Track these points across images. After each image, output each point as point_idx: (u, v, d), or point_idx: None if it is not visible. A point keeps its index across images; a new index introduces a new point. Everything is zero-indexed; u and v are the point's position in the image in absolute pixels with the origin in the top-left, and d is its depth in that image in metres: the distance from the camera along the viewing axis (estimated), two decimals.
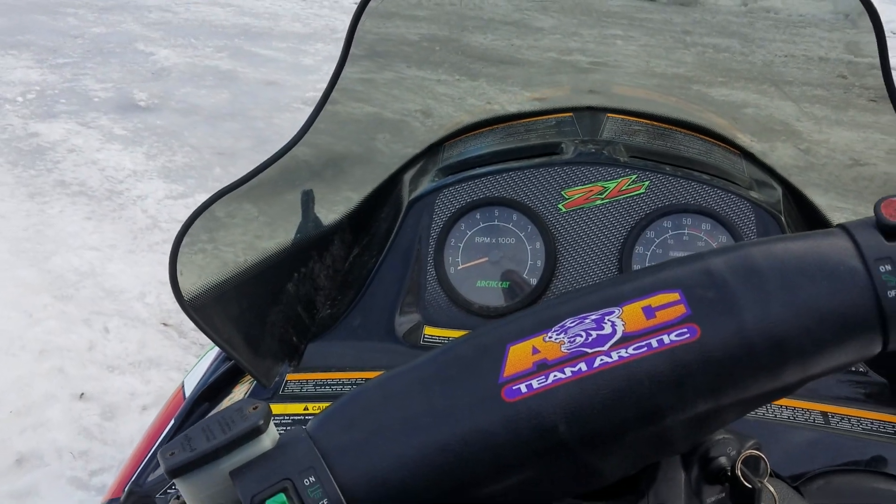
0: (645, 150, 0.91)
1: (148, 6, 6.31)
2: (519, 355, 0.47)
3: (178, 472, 0.42)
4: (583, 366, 0.46)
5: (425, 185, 0.92)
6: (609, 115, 1.02)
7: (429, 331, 0.84)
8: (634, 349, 0.46)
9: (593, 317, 0.48)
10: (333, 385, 0.78)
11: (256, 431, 0.43)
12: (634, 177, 0.86)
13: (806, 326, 0.47)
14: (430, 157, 1.02)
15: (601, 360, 0.46)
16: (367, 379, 0.69)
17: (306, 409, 0.78)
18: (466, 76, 1.39)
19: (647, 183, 0.86)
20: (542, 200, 0.87)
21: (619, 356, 0.46)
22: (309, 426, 0.45)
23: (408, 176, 1.00)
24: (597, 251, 0.85)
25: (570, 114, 1.03)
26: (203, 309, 0.74)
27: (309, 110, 0.93)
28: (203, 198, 0.84)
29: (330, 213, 0.98)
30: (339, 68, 0.81)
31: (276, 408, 0.78)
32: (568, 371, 0.46)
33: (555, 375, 0.46)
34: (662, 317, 0.47)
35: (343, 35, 0.83)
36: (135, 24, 5.73)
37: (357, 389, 0.47)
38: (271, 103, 3.86)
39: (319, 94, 0.85)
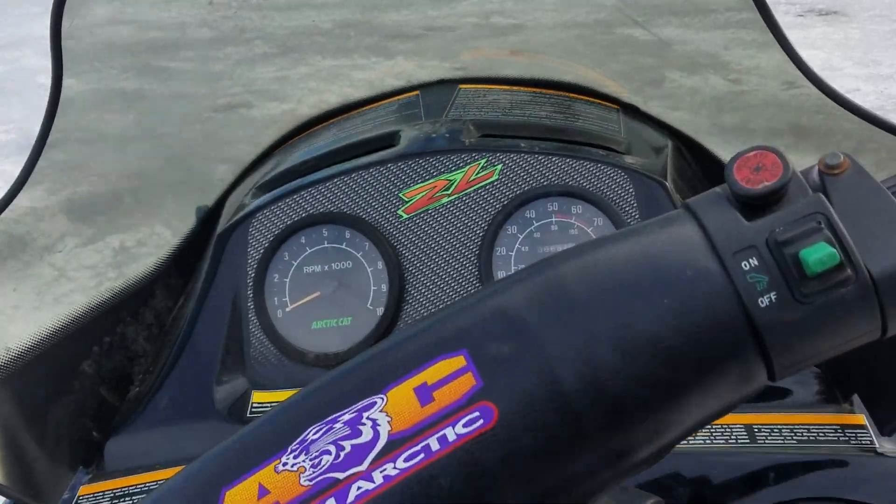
0: (499, 125, 0.75)
1: (47, 36, 6.09)
2: (248, 487, 0.31)
3: None
4: (332, 503, 0.30)
5: (229, 217, 0.75)
6: (462, 86, 0.86)
7: (258, 397, 0.68)
8: (405, 462, 0.30)
9: (346, 417, 0.32)
10: (134, 494, 0.61)
11: None
12: (484, 161, 0.70)
13: (649, 372, 0.31)
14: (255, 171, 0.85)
15: (358, 488, 0.30)
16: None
17: None
18: (383, 56, 1.29)
19: (499, 167, 0.70)
20: (378, 209, 0.71)
21: (383, 477, 0.30)
22: None
23: (231, 199, 0.83)
24: (451, 261, 0.69)
25: (417, 92, 0.86)
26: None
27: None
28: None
29: (143, 255, 0.81)
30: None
31: None
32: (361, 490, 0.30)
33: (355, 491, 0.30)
34: (443, 398, 0.31)
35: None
36: (35, 57, 5.50)
37: None
38: (181, 118, 3.67)
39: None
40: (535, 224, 0.69)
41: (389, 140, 0.75)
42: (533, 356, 0.31)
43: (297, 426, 0.32)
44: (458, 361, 0.32)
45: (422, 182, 0.71)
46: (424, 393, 0.31)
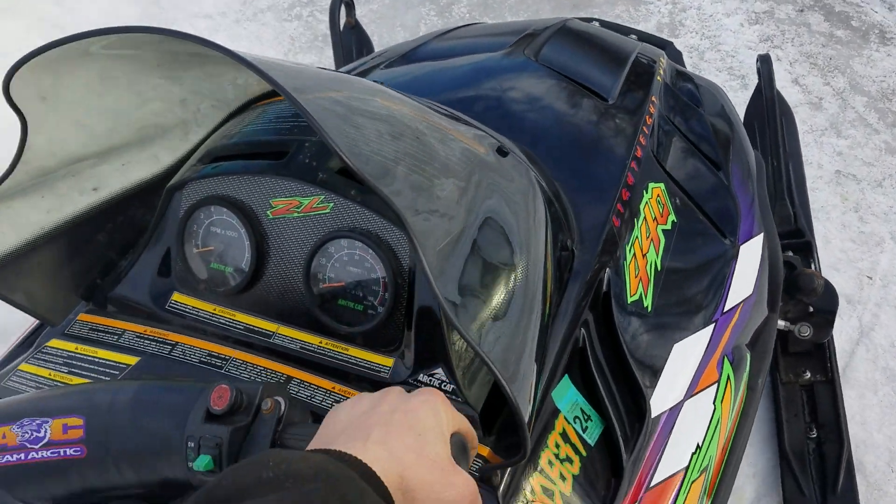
0: (342, 169, 0.97)
1: None
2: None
3: None
4: (20, 455, 0.70)
5: (183, 171, 1.06)
6: None
7: (176, 297, 1.06)
8: (50, 454, 0.69)
9: (37, 422, 0.70)
10: (104, 331, 1.03)
11: None
12: (322, 197, 0.95)
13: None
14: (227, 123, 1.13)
15: (31, 455, 0.69)
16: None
17: (77, 349, 1.05)
18: None
19: (331, 205, 0.95)
20: (257, 205, 0.99)
21: (40, 455, 0.69)
22: None
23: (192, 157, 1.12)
24: (292, 257, 0.98)
25: None
26: None
27: None
28: None
29: (158, 163, 1.14)
30: None
31: (56, 342, 1.06)
32: (13, 457, 0.70)
33: (6, 458, 0.70)
34: (72, 434, 0.68)
35: None
36: None
37: None
38: None
39: None
40: (346, 251, 0.94)
41: (284, 149, 1.01)
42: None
43: (21, 413, 0.70)
44: (79, 421, 0.68)
45: (284, 196, 0.98)
46: (65, 427, 0.68)
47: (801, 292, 1.57)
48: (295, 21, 3.23)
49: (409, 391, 0.68)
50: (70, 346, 1.00)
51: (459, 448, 0.64)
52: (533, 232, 0.93)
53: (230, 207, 1.00)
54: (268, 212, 0.99)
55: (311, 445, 0.60)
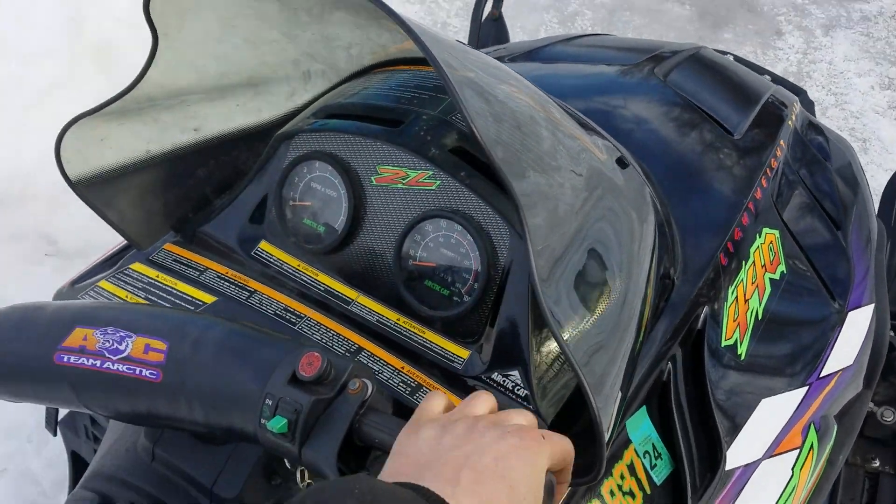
0: (457, 148, 0.93)
1: None
2: (76, 336, 0.71)
3: None
4: (96, 362, 0.69)
5: (295, 121, 1.05)
6: None
7: (263, 245, 1.04)
8: (125, 369, 0.68)
9: (121, 334, 0.69)
10: (186, 265, 1.02)
11: None
12: (430, 173, 0.92)
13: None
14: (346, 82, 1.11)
15: (106, 364, 0.68)
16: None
17: (157, 276, 1.05)
18: None
19: (438, 182, 0.92)
20: (363, 169, 0.97)
21: (115, 368, 0.68)
22: None
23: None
24: (387, 227, 0.95)
25: None
26: (91, 187, 1.01)
27: None
28: None
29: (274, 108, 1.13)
30: None
31: (139, 266, 1.06)
32: (88, 361, 0.69)
33: (82, 360, 0.70)
34: (152, 357, 0.67)
35: None
36: None
37: None
38: None
39: None
40: (443, 232, 0.91)
41: (400, 118, 0.98)
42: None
43: (109, 321, 0.69)
44: (162, 345, 0.66)
45: (391, 166, 0.95)
46: (147, 348, 0.67)
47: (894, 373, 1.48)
48: (417, 5, 3.22)
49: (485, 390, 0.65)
50: (152, 272, 0.99)
51: (548, 491, 0.60)
52: (642, 251, 0.88)
53: (335, 166, 0.97)
54: (372, 178, 0.96)
55: (392, 468, 0.58)
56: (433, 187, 0.92)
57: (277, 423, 0.60)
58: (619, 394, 0.78)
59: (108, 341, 0.70)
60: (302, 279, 0.98)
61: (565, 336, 0.70)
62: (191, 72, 0.98)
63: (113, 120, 0.98)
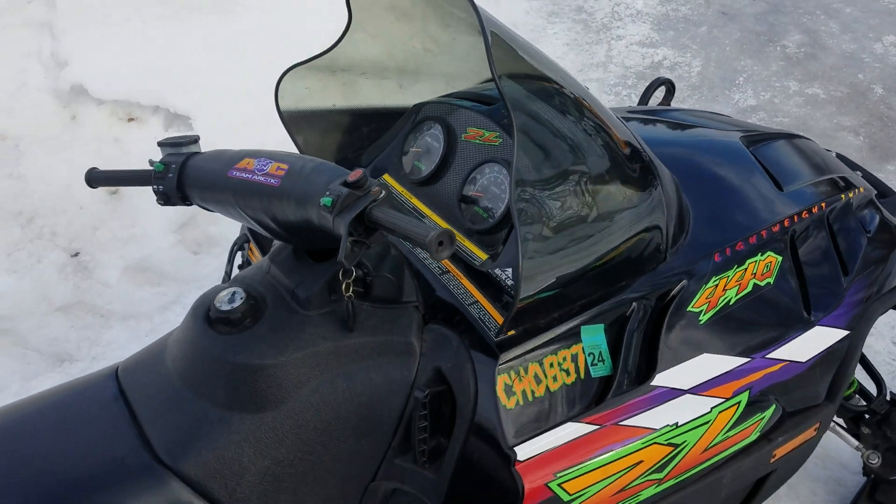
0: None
1: None
2: (244, 161, 1.21)
3: None
4: (246, 175, 1.19)
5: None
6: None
7: (385, 176, 1.51)
8: (262, 178, 1.16)
9: (266, 160, 1.18)
10: None
11: None
12: (497, 134, 1.35)
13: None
14: None
15: (254, 176, 1.17)
16: None
17: None
18: None
19: (500, 141, 1.34)
20: (458, 129, 1.42)
21: (256, 178, 1.17)
22: None
23: None
24: (463, 166, 1.39)
25: None
26: (291, 118, 1.54)
27: None
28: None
29: None
30: None
31: None
32: (244, 175, 1.19)
33: (244, 175, 1.19)
34: (278, 172, 1.15)
35: None
36: None
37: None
38: None
39: None
40: (495, 174, 1.33)
41: (492, 102, 1.42)
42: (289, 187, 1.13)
43: (261, 155, 1.19)
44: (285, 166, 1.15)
45: (475, 127, 1.39)
46: (278, 168, 1.16)
47: (889, 426, 1.66)
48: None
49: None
50: None
51: None
52: (617, 215, 1.24)
53: (441, 124, 1.43)
54: (462, 135, 1.41)
55: None
56: (497, 143, 1.34)
57: (327, 200, 1.04)
58: (547, 283, 1.14)
59: (259, 164, 1.18)
60: (401, 199, 1.44)
61: (528, 237, 1.09)
62: (373, 50, 1.49)
63: (315, 76, 1.50)
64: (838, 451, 2.00)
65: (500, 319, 1.17)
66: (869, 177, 2.04)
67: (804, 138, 1.89)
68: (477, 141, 1.39)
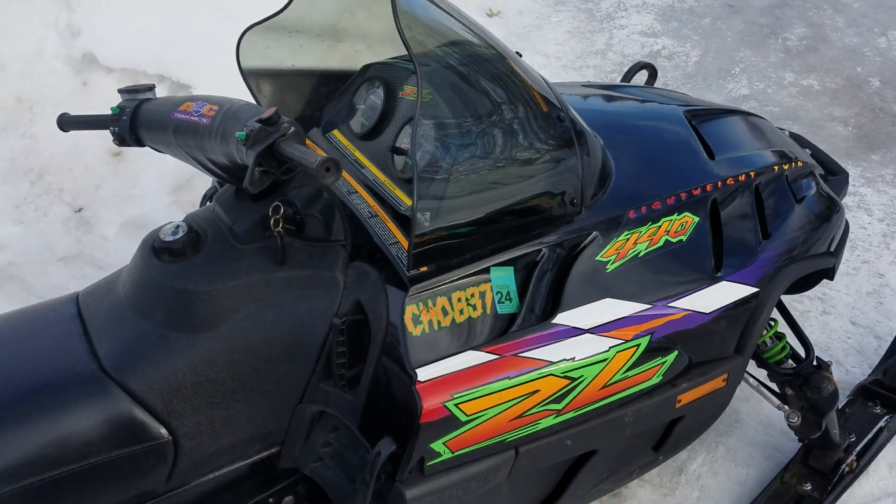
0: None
1: None
2: (185, 105, 1.35)
3: None
4: (185, 116, 1.32)
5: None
6: None
7: (334, 132, 1.65)
8: (197, 118, 1.30)
9: (201, 103, 1.32)
10: None
11: None
12: (427, 91, 1.46)
13: None
14: None
15: (190, 117, 1.31)
16: None
17: None
18: None
19: (431, 98, 1.46)
20: (397, 87, 1.55)
21: (191, 118, 1.31)
22: None
23: None
24: (398, 121, 1.52)
25: None
26: (251, 76, 1.68)
27: None
28: None
29: None
30: None
31: None
32: (183, 116, 1.33)
33: (182, 116, 1.33)
34: (210, 113, 1.29)
35: None
36: None
37: None
38: None
39: None
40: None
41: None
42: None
43: (197, 98, 1.34)
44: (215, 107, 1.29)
45: (411, 86, 1.52)
46: (210, 109, 1.29)
47: (809, 387, 1.75)
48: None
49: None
50: None
51: None
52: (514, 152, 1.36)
53: (384, 84, 1.56)
54: (399, 93, 1.54)
55: None
56: (428, 100, 1.47)
57: (241, 134, 1.18)
58: (447, 223, 1.26)
59: (196, 106, 1.31)
60: (345, 152, 1.57)
61: (420, 171, 1.22)
62: (319, 16, 1.63)
63: (274, 36, 1.64)
64: (780, 419, 2.09)
65: None
66: (820, 155, 2.13)
67: (757, 116, 1.99)
68: (411, 98, 1.51)
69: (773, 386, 1.92)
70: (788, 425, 1.85)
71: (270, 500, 1.42)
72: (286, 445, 1.38)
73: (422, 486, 1.28)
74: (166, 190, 2.80)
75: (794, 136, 2.16)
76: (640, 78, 2.26)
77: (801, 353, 1.88)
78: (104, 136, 2.73)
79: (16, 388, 1.21)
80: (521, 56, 1.52)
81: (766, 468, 2.05)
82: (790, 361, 1.87)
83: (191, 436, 1.26)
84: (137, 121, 1.39)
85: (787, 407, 1.86)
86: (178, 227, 1.32)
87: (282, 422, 1.36)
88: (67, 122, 1.49)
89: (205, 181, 2.77)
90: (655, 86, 2.32)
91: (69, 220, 2.73)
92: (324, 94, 1.73)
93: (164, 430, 1.23)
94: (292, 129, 1.19)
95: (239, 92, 2.89)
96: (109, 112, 1.42)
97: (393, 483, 1.27)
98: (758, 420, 2.18)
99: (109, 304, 1.32)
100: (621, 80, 2.47)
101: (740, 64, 3.91)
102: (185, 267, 1.29)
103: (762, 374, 1.92)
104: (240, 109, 1.26)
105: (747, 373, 1.79)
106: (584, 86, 2.06)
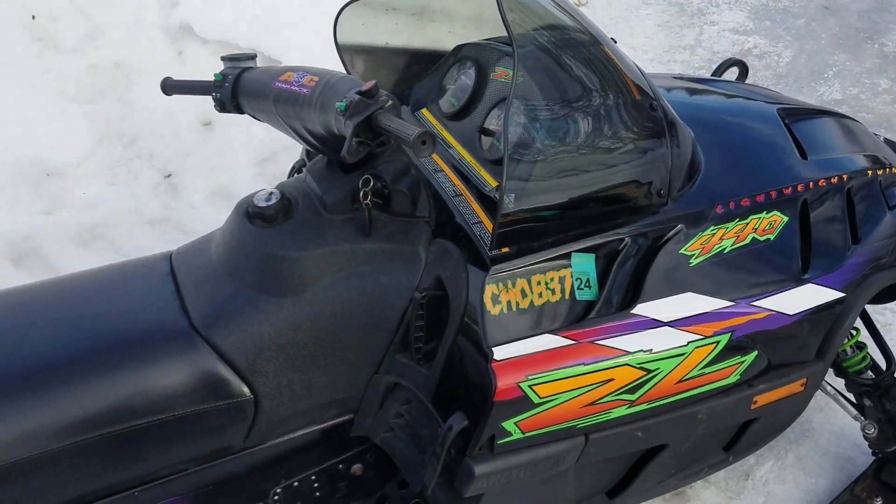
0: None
1: None
2: (286, 76, 1.39)
3: None
4: (285, 86, 1.36)
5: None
6: None
7: (423, 111, 1.66)
8: (297, 88, 1.34)
9: (302, 73, 1.36)
10: None
11: None
12: (521, 73, 1.47)
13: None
14: None
15: (290, 87, 1.35)
16: None
17: None
18: None
19: (523, 80, 1.46)
20: (488, 68, 1.56)
21: (292, 88, 1.35)
22: None
23: None
24: (488, 102, 1.52)
25: None
26: (346, 51, 1.71)
27: None
28: None
29: None
30: None
31: None
32: (284, 86, 1.37)
33: (283, 85, 1.38)
34: (311, 84, 1.33)
35: None
36: None
37: None
38: None
39: None
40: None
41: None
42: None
43: (299, 70, 1.37)
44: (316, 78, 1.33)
45: (502, 67, 1.52)
46: (311, 80, 1.33)
47: (888, 399, 1.70)
48: None
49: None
50: None
51: None
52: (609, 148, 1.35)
53: (475, 65, 1.57)
54: (491, 74, 1.55)
55: None
56: (521, 81, 1.47)
57: (341, 105, 1.20)
58: (533, 205, 1.27)
59: (297, 77, 1.35)
60: (432, 130, 1.59)
61: (511, 152, 1.23)
62: None
63: (371, 13, 1.67)
64: (854, 431, 2.04)
65: None
66: None
67: (852, 119, 1.93)
68: (502, 79, 1.52)
69: (850, 396, 1.87)
70: (864, 437, 1.81)
71: (340, 466, 1.46)
72: (359, 414, 1.41)
73: (491, 463, 1.29)
74: (252, 161, 2.87)
75: (888, 142, 2.09)
76: (731, 75, 2.22)
77: (882, 364, 1.83)
78: (197, 105, 2.83)
79: (107, 339, 1.27)
80: (615, 42, 1.51)
81: (837, 479, 2.00)
82: (870, 372, 1.83)
83: (271, 396, 1.30)
84: (239, 88, 1.44)
85: (863, 418, 1.81)
86: (271, 193, 1.36)
87: (357, 390, 1.40)
88: (170, 87, 1.55)
89: (289, 155, 2.84)
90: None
91: (158, 184, 2.82)
92: (414, 73, 1.75)
93: (246, 389, 1.27)
94: (390, 102, 1.21)
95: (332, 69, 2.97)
96: (212, 78, 1.47)
97: (463, 458, 1.29)
98: (830, 430, 2.13)
99: (202, 264, 1.37)
100: (711, 76, 2.43)
101: (834, 67, 3.79)
102: (277, 233, 1.33)
103: (839, 383, 1.87)
104: (339, 81, 1.29)
105: (825, 380, 1.75)
106: (675, 78, 2.04)
